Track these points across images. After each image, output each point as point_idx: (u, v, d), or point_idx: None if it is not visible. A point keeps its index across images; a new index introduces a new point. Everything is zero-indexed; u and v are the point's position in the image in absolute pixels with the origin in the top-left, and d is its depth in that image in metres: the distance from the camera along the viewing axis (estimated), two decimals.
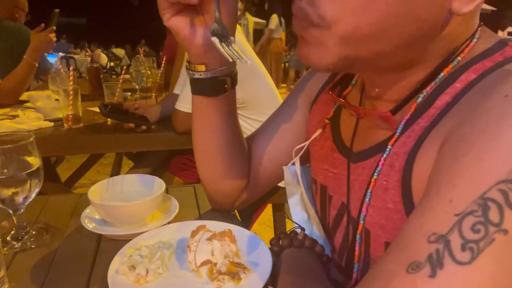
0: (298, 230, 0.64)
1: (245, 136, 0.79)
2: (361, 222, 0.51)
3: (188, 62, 0.63)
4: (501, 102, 0.36)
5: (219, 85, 0.63)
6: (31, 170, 0.68)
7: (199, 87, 0.64)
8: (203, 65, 0.61)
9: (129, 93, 2.26)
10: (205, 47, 0.59)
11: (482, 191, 0.33)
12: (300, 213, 0.69)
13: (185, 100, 1.54)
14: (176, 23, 0.57)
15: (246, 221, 1.63)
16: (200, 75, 0.62)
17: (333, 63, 0.46)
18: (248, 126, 1.64)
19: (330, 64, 0.46)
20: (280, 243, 0.61)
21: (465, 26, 0.46)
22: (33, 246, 0.71)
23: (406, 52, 0.46)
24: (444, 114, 0.44)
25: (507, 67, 0.42)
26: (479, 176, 0.34)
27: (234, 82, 0.65)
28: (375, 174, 0.49)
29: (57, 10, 1.97)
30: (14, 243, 0.71)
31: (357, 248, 0.53)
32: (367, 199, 0.50)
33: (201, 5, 0.56)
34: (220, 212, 0.81)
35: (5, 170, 0.66)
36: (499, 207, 0.32)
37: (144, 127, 1.49)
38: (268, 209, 1.93)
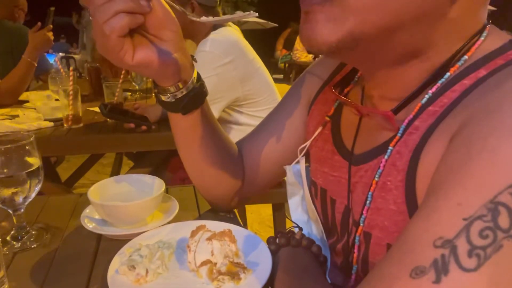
0: (296, 230, 0.64)
1: (243, 135, 0.79)
2: (361, 224, 0.51)
3: (162, 89, 0.60)
4: None
5: (200, 94, 0.62)
6: (31, 170, 0.68)
7: (179, 106, 0.62)
8: (181, 82, 0.59)
9: (129, 93, 2.27)
10: (180, 62, 0.56)
11: (493, 194, 0.31)
12: (300, 214, 0.69)
13: None
14: (144, 56, 0.52)
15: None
16: (182, 92, 0.60)
17: (339, 39, 0.43)
18: (250, 124, 1.65)
19: (334, 42, 0.43)
20: (277, 241, 0.61)
21: (473, 15, 0.45)
22: (33, 246, 0.71)
23: (413, 33, 0.43)
24: (451, 109, 0.42)
25: None
26: (491, 178, 0.32)
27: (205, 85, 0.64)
28: (377, 176, 0.48)
29: (52, 9, 1.97)
30: (14, 243, 0.71)
31: (355, 250, 0.52)
32: (367, 202, 0.49)
33: (151, 18, 0.52)
34: (219, 212, 0.81)
35: (5, 170, 0.66)
36: (509, 212, 0.31)
37: (144, 127, 1.49)
38: (268, 209, 1.93)
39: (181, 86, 0.59)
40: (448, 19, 0.43)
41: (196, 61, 0.63)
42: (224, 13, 1.80)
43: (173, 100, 0.60)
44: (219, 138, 0.71)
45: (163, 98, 0.61)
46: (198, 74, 0.63)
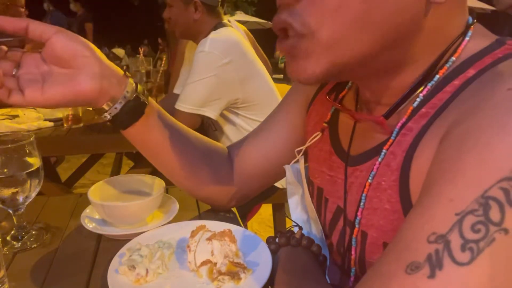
0: (296, 229, 0.64)
1: (236, 134, 0.79)
2: (357, 226, 0.51)
3: (97, 110, 0.60)
4: (505, 96, 0.36)
5: (136, 106, 0.62)
6: (31, 170, 0.68)
7: (123, 120, 0.62)
8: (111, 100, 0.59)
9: None
10: (102, 83, 0.57)
11: (483, 189, 0.32)
12: (299, 213, 0.69)
13: (185, 100, 1.54)
14: (55, 92, 0.54)
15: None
16: (116, 108, 0.60)
17: (322, 72, 0.45)
18: (247, 127, 1.65)
19: (320, 74, 0.45)
20: (277, 241, 0.61)
21: (451, 19, 0.45)
22: (33, 246, 0.71)
23: (393, 52, 0.45)
24: (443, 109, 0.43)
25: (508, 61, 0.41)
26: (481, 174, 0.33)
27: (143, 92, 0.64)
28: (370, 177, 0.49)
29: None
30: (14, 243, 0.71)
31: (353, 252, 0.53)
32: (362, 203, 0.50)
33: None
34: (219, 212, 0.81)
35: (5, 170, 0.66)
36: (500, 206, 0.31)
37: None
38: (268, 209, 1.93)
39: (111, 104, 0.60)
40: (426, 30, 0.44)
41: (128, 76, 0.62)
42: (224, 13, 1.80)
43: (111, 117, 0.61)
44: (185, 142, 0.71)
45: (102, 117, 0.62)
46: (136, 84, 0.62)
